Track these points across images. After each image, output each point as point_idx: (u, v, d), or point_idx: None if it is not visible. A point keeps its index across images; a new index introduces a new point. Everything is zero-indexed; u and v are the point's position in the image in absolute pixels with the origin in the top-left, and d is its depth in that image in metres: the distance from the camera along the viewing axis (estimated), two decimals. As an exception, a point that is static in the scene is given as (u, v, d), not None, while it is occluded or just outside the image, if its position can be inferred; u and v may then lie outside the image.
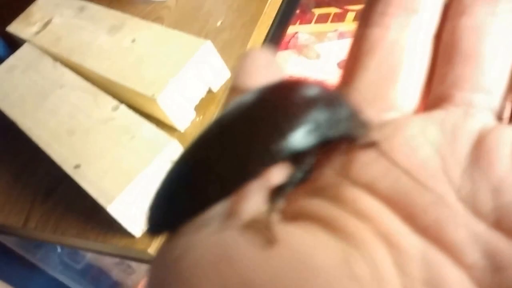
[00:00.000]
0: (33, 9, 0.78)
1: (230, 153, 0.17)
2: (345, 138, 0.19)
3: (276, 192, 0.17)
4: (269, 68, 0.21)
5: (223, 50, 0.62)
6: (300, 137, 0.17)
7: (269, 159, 0.17)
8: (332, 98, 0.19)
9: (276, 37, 0.69)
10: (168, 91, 0.56)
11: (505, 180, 0.17)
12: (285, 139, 0.17)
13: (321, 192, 0.18)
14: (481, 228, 0.16)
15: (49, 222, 0.59)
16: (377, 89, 0.20)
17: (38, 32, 0.74)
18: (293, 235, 0.16)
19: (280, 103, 0.18)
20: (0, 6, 0.82)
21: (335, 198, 0.17)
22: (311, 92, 0.18)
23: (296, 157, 0.17)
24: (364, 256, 0.16)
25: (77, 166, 0.54)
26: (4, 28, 0.78)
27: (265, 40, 0.68)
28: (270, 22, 0.69)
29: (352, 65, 0.21)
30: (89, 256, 0.98)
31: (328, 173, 0.19)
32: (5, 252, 0.84)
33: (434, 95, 0.20)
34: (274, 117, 0.17)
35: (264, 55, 0.22)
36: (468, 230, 0.16)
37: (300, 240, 0.16)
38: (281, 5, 0.70)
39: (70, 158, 0.56)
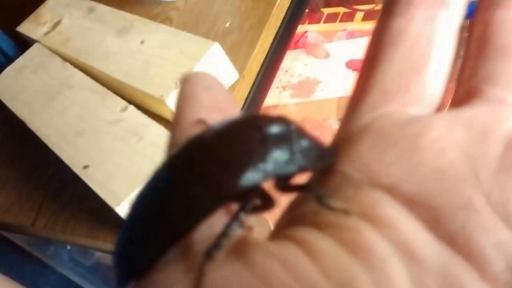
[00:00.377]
0: (43, 10, 0.79)
1: (181, 197, 0.17)
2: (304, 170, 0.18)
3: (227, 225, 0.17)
4: (213, 92, 0.21)
5: (231, 51, 0.62)
6: (250, 177, 0.17)
7: (217, 201, 0.17)
8: (288, 133, 0.18)
9: (284, 38, 0.69)
10: (177, 92, 0.56)
11: None
12: (235, 181, 0.17)
13: (340, 196, 0.17)
14: (509, 238, 0.15)
15: (58, 222, 0.60)
16: (401, 80, 0.19)
17: (47, 33, 0.74)
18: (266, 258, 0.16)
19: (232, 143, 0.17)
20: (10, 7, 0.83)
21: (353, 203, 0.17)
22: (266, 127, 0.18)
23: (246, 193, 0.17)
24: (371, 272, 0.15)
25: (85, 167, 0.55)
26: (14, 28, 0.78)
27: (273, 42, 0.68)
28: (278, 24, 0.69)
29: (374, 57, 0.20)
30: (99, 253, 0.98)
31: (347, 174, 0.18)
32: (15, 249, 0.85)
33: (463, 89, 0.19)
34: (226, 158, 0.17)
35: (205, 78, 0.21)
36: (495, 238, 0.15)
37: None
38: (289, 7, 0.70)
39: (78, 158, 0.56)
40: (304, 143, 0.18)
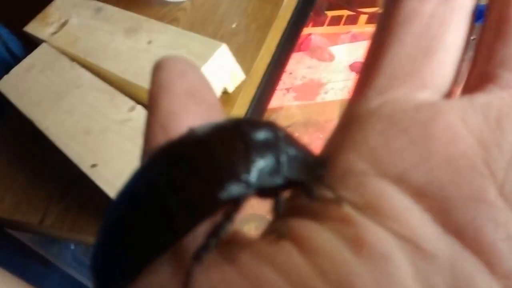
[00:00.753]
0: (50, 9, 0.79)
1: (161, 212, 0.16)
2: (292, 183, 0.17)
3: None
4: (188, 78, 0.19)
5: (238, 52, 0.62)
6: (232, 191, 0.16)
7: (197, 218, 0.16)
8: (275, 141, 0.17)
9: (290, 40, 0.70)
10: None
11: None
12: (216, 194, 0.16)
13: (343, 185, 0.17)
14: None
15: (66, 220, 0.60)
16: (412, 64, 0.18)
17: (55, 33, 0.75)
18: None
19: (213, 152, 0.16)
20: (17, 7, 0.84)
21: (357, 194, 0.16)
22: (250, 135, 0.17)
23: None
24: (373, 270, 0.14)
25: (94, 166, 0.55)
26: (21, 28, 0.79)
27: (279, 43, 0.68)
28: (285, 25, 0.69)
29: (383, 38, 0.19)
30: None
31: (351, 162, 0.17)
32: (20, 248, 0.85)
33: (477, 74, 0.18)
34: (206, 170, 0.16)
35: (179, 63, 0.20)
36: (507, 233, 0.15)
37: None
38: (295, 8, 0.70)
39: (86, 157, 0.57)
40: (292, 152, 0.17)
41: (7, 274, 0.65)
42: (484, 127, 0.16)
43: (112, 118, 0.59)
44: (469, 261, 0.15)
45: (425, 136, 0.16)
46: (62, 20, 0.76)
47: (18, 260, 0.87)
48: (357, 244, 0.15)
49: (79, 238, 0.60)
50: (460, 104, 0.17)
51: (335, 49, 1.11)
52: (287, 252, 0.15)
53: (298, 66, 1.11)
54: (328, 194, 0.16)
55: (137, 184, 0.18)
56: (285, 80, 1.10)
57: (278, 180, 0.16)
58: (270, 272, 0.15)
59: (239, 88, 0.62)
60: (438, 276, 0.14)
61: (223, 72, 0.60)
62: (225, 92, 0.62)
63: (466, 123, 0.16)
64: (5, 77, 0.71)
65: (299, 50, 1.11)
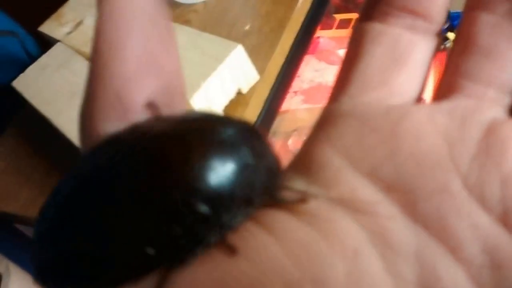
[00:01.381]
0: (64, 10, 0.80)
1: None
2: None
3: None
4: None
5: (251, 54, 0.63)
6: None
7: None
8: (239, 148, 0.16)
9: (303, 42, 0.70)
10: (200, 94, 0.58)
11: None
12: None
13: (319, 179, 0.17)
14: (484, 221, 0.15)
15: (81, 217, 0.61)
16: (382, 75, 0.19)
17: (69, 33, 0.75)
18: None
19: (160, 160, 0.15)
20: (32, 6, 0.84)
21: (331, 188, 0.17)
22: (213, 135, 0.15)
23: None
24: (345, 263, 0.15)
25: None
26: (36, 28, 0.80)
27: (292, 45, 0.69)
28: (298, 27, 0.70)
29: (355, 52, 0.20)
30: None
31: (327, 157, 0.18)
32: (29, 244, 0.86)
33: (445, 83, 0.19)
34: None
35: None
36: (470, 221, 0.16)
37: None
38: (309, 11, 0.71)
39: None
40: (264, 163, 0.16)
41: (24, 273, 0.65)
42: (450, 125, 0.17)
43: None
44: (434, 249, 0.15)
45: (395, 134, 0.17)
46: (77, 20, 0.77)
47: (27, 257, 0.88)
48: (329, 238, 0.16)
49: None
50: (427, 107, 0.18)
51: (343, 53, 1.11)
52: (262, 240, 0.15)
53: (306, 69, 1.12)
54: (293, 194, 0.16)
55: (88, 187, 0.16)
56: (293, 83, 1.10)
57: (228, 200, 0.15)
58: (243, 261, 0.15)
59: (252, 89, 0.63)
60: (406, 266, 0.15)
61: (238, 73, 0.61)
62: (239, 93, 0.63)
63: (433, 121, 0.17)
64: (21, 75, 0.71)
65: (307, 53, 1.11)
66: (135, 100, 0.17)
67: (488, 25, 0.19)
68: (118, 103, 0.17)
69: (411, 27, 0.19)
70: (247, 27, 0.70)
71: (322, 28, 1.15)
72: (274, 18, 0.70)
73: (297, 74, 1.11)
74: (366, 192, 0.17)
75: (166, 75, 0.18)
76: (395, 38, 0.19)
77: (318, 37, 1.14)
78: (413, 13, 0.19)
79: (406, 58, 0.19)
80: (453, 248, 0.15)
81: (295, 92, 1.10)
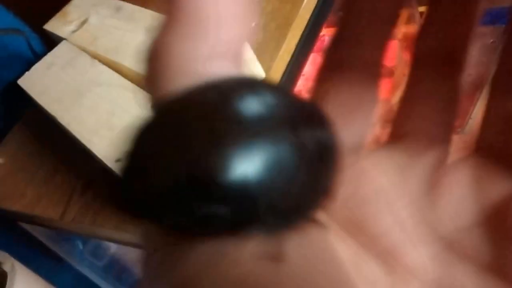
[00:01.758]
0: (69, 8, 0.80)
1: None
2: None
3: None
4: None
5: (257, 51, 0.63)
6: None
7: None
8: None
9: (310, 39, 0.70)
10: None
11: (462, 204, 0.18)
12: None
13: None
14: (437, 250, 0.17)
15: (87, 215, 0.61)
16: (347, 112, 0.20)
17: (75, 31, 0.75)
18: None
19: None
20: (37, 5, 0.84)
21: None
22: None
23: None
24: None
25: (118, 160, 0.56)
26: (41, 26, 0.80)
27: (298, 42, 0.69)
28: (304, 25, 0.70)
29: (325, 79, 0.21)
30: (111, 254, 0.99)
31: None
32: (34, 244, 0.86)
33: (394, 132, 0.20)
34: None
35: None
36: (425, 251, 0.17)
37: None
38: (315, 8, 0.71)
39: (110, 152, 0.57)
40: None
41: (29, 272, 0.65)
42: (404, 164, 0.19)
43: (136, 115, 0.60)
44: (399, 280, 0.17)
45: (355, 175, 0.19)
46: (82, 19, 0.77)
47: (31, 255, 0.88)
48: None
49: (100, 233, 0.61)
50: (385, 147, 0.20)
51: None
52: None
53: (310, 67, 1.11)
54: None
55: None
56: (298, 81, 1.10)
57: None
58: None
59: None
60: None
61: (243, 70, 0.61)
62: (245, 90, 0.62)
63: (390, 160, 0.19)
64: (26, 73, 0.71)
65: (313, 51, 1.11)
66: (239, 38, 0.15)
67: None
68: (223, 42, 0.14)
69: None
70: (253, 24, 0.70)
71: (327, 26, 1.15)
72: (280, 16, 0.69)
73: (302, 73, 1.10)
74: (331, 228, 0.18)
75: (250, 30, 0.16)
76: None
77: (323, 35, 1.14)
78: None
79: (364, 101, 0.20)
80: (414, 275, 0.17)
81: (300, 91, 1.10)
